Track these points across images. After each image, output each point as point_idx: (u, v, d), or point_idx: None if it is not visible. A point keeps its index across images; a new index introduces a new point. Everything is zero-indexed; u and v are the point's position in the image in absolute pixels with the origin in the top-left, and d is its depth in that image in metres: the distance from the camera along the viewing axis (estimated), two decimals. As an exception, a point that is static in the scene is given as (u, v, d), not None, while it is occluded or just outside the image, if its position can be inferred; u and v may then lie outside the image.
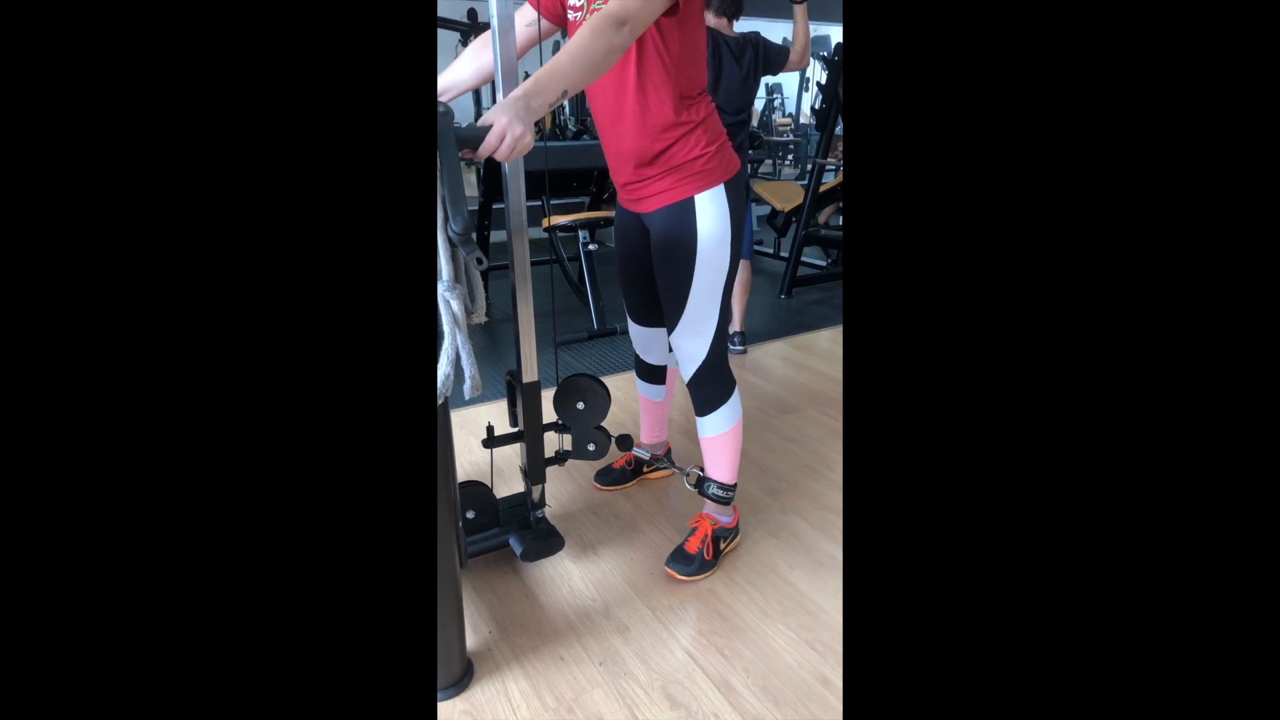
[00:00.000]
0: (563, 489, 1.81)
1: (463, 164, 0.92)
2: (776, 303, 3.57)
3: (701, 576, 1.47)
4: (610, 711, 1.15)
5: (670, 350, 1.67)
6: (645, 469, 1.85)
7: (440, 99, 1.36)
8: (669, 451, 1.88)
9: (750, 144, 3.63)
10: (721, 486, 1.50)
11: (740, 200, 1.33)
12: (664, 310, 1.40)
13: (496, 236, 3.75)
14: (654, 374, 1.71)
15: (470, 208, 1.02)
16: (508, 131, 0.91)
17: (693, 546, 1.48)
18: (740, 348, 2.82)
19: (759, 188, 4.05)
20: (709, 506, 1.52)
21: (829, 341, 2.99)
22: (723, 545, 1.52)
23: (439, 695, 1.17)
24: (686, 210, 1.28)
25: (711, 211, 1.28)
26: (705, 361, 1.40)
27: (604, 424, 1.54)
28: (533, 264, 1.36)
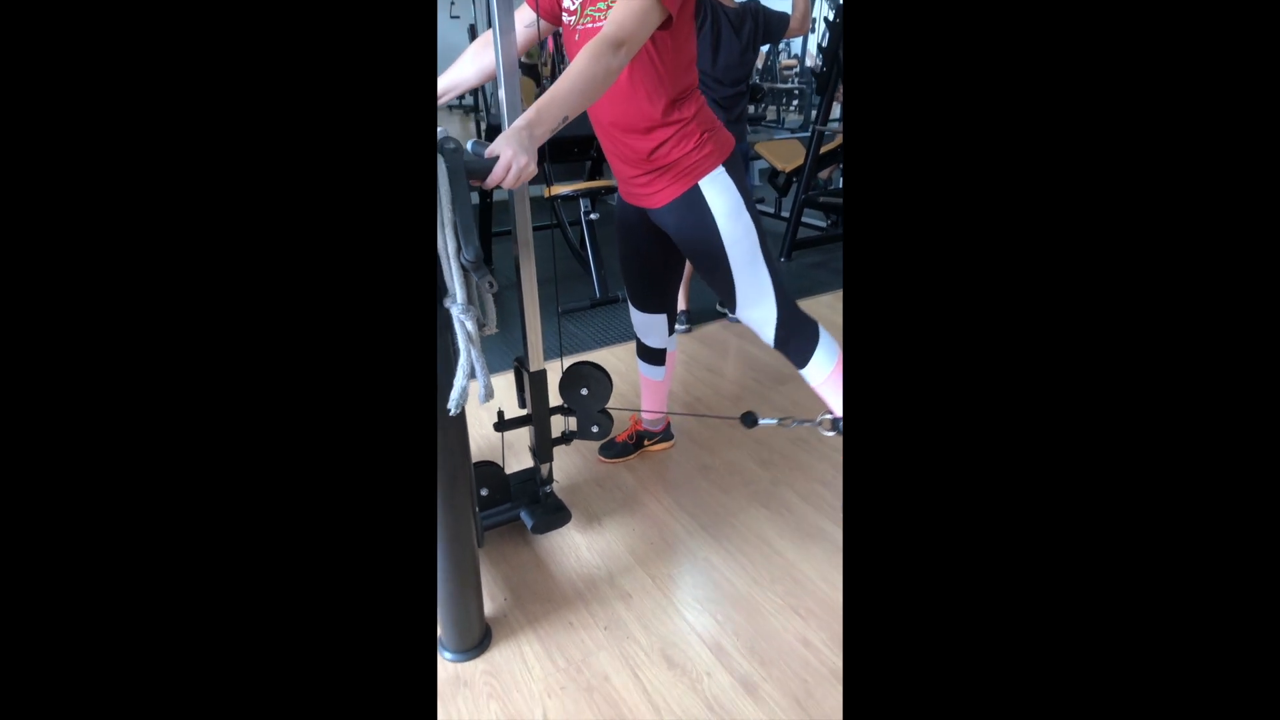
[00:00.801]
0: (570, 462, 1.93)
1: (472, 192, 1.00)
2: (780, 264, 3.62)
3: None
4: (614, 671, 1.29)
5: (670, 334, 1.77)
6: (646, 442, 1.96)
7: (443, 97, 1.41)
8: (668, 426, 1.99)
9: (753, 97, 3.59)
10: (838, 421, 1.55)
11: (740, 171, 1.39)
12: (718, 294, 1.46)
13: (501, 194, 3.79)
14: (654, 355, 1.80)
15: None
16: (513, 163, 0.97)
17: None
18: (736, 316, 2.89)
19: (759, 147, 4.04)
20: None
21: (827, 308, 3.06)
22: None
23: (462, 657, 1.31)
24: (695, 199, 1.35)
25: (719, 191, 1.35)
26: (779, 320, 1.43)
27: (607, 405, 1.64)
28: (537, 229, 1.42)
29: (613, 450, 1.93)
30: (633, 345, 1.88)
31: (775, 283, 1.43)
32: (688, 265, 2.73)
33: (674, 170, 1.34)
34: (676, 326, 2.80)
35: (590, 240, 3.09)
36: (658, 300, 1.68)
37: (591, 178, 3.53)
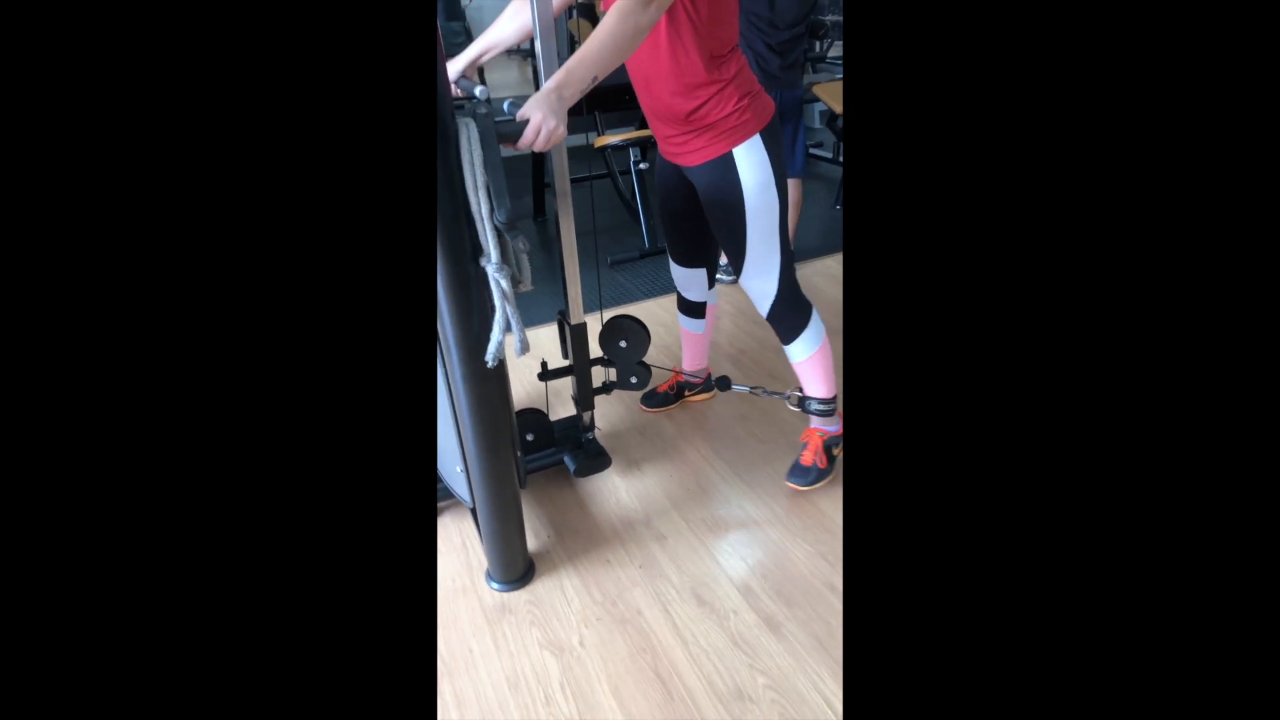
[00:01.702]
0: (613, 411, 2.01)
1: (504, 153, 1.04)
2: (832, 214, 3.54)
3: (821, 484, 1.63)
4: (647, 606, 1.38)
5: (711, 288, 1.79)
6: (687, 393, 2.01)
7: (484, 57, 1.44)
8: (710, 377, 2.03)
9: (813, 33, 3.41)
10: (821, 401, 1.61)
11: (776, 142, 1.39)
12: (728, 258, 1.50)
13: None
14: (694, 309, 1.83)
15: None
16: (543, 126, 1.01)
17: (807, 459, 1.64)
18: (730, 277, 2.85)
19: (818, 89, 3.89)
20: (814, 420, 1.66)
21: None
22: (835, 451, 1.67)
23: (507, 588, 1.42)
24: (727, 165, 1.36)
25: (751, 162, 1.35)
26: (778, 297, 1.49)
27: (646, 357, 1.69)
28: (585, 179, 1.46)
29: (654, 400, 1.99)
30: None
31: (783, 259, 1.46)
32: (791, 202, 2.71)
33: (711, 132, 1.34)
34: (723, 278, 2.82)
35: (639, 190, 3.09)
36: (698, 255, 1.70)
37: (641, 127, 3.50)
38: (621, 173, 3.54)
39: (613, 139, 2.98)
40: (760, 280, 1.48)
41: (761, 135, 1.36)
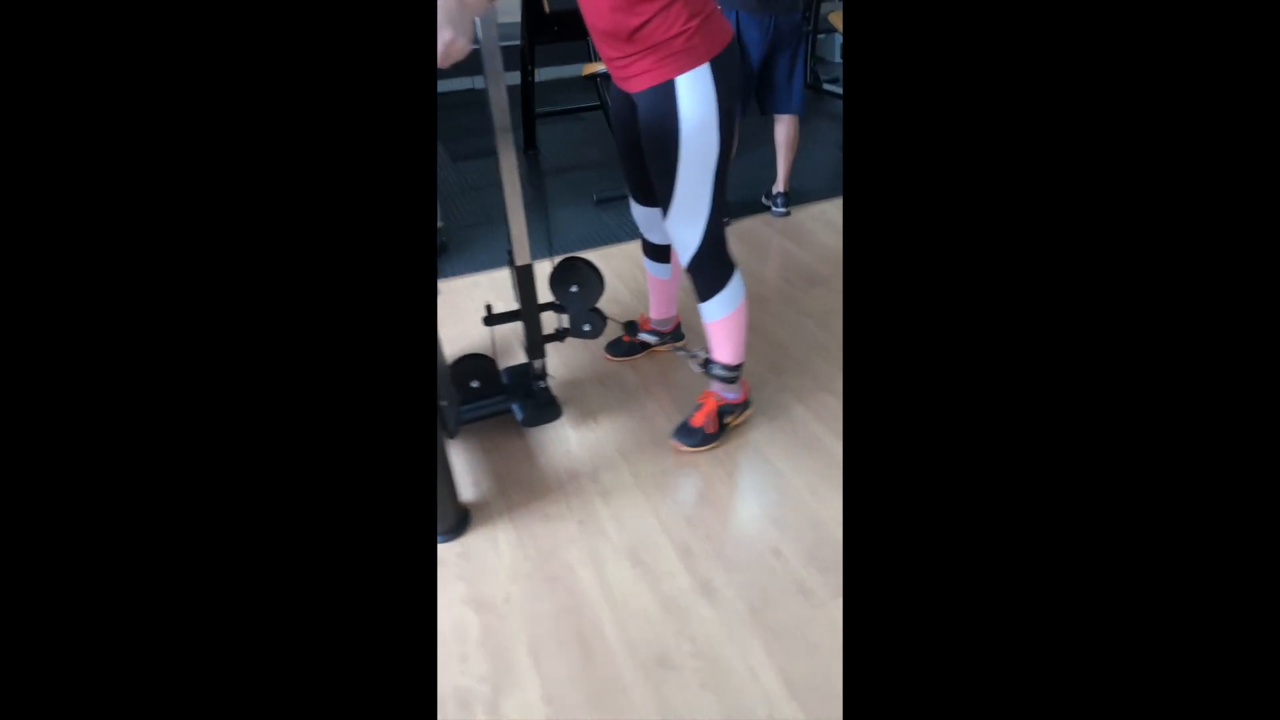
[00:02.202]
0: (575, 358, 1.92)
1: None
2: (839, 155, 3.33)
3: (704, 448, 1.56)
4: (580, 564, 1.32)
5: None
6: (655, 345, 1.91)
7: None
8: (678, 326, 1.92)
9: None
10: (726, 367, 1.54)
11: (729, 76, 1.25)
12: (657, 196, 1.38)
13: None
14: (659, 252, 1.72)
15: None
16: (439, 39, 0.89)
17: (697, 420, 1.57)
18: (783, 209, 2.71)
19: (833, 17, 3.62)
20: (715, 385, 1.58)
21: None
22: (728, 420, 1.60)
23: (439, 539, 1.37)
24: (668, 93, 1.22)
25: (694, 94, 1.22)
26: (700, 248, 1.39)
27: (602, 302, 1.59)
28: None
29: (619, 349, 1.90)
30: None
31: (713, 210, 1.34)
32: (786, 141, 2.55)
33: (655, 54, 1.20)
34: (775, 209, 2.67)
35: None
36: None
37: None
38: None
39: (602, 67, 2.79)
40: (685, 228, 1.37)
41: (711, 65, 1.21)
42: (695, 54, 1.20)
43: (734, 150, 1.37)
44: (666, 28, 1.18)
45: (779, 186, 2.70)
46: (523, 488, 1.50)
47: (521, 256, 1.46)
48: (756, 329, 2.01)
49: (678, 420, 1.67)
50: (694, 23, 1.18)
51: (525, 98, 3.20)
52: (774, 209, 2.72)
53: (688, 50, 1.19)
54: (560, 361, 1.89)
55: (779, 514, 1.41)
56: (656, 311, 1.87)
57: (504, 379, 1.63)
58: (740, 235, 2.60)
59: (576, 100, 3.50)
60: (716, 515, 1.41)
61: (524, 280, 1.49)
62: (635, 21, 1.18)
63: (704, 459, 1.55)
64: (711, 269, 1.42)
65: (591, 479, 1.51)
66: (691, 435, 1.56)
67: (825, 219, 2.71)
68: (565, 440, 1.63)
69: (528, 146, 3.39)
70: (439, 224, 2.45)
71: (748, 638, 1.17)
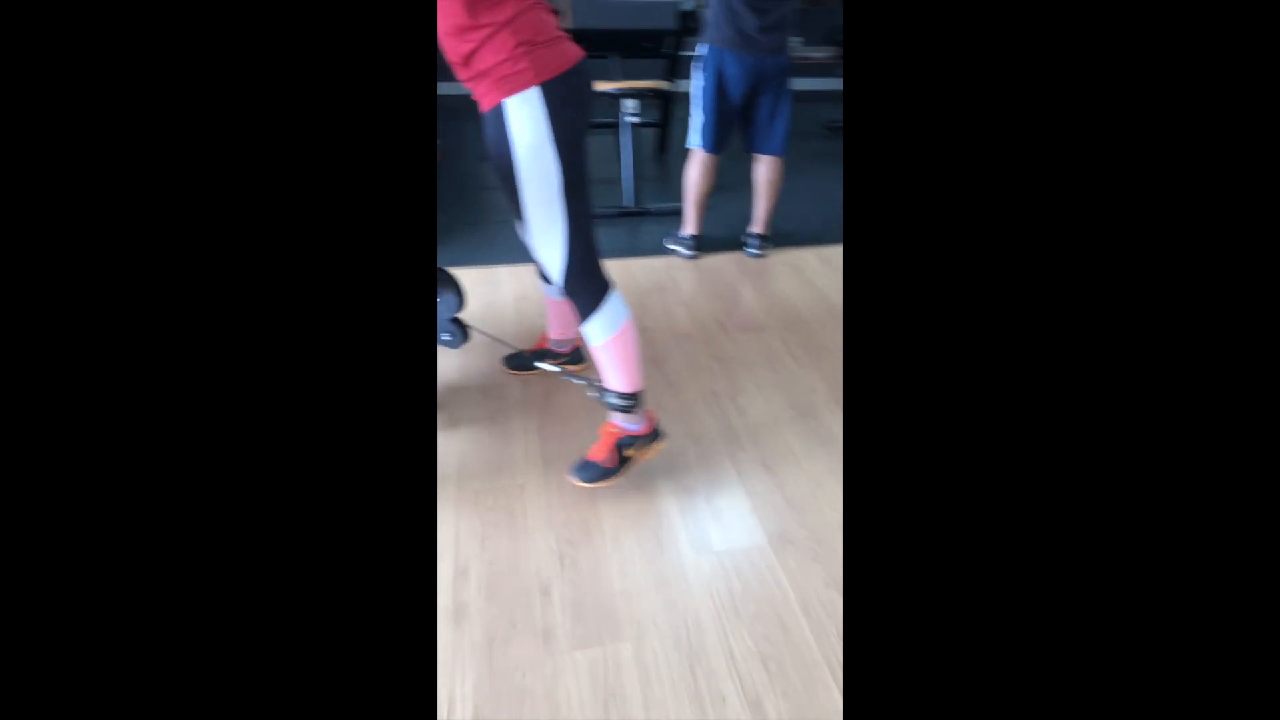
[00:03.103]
0: (472, 363, 1.96)
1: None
2: (833, 201, 3.22)
3: (602, 483, 1.51)
4: None
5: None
6: (547, 363, 1.92)
7: None
8: (576, 350, 1.93)
9: None
10: (619, 395, 1.46)
11: (572, 102, 1.24)
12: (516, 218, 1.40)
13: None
14: (546, 275, 1.73)
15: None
16: None
17: (594, 454, 1.52)
18: (757, 250, 2.65)
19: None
20: (613, 415, 1.51)
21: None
22: (628, 452, 1.52)
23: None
24: (499, 118, 1.24)
25: (522, 116, 1.22)
26: (567, 270, 1.37)
27: (464, 318, 1.62)
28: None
29: (515, 362, 1.93)
30: (653, 260, 1.76)
31: (571, 229, 1.32)
32: (767, 180, 2.51)
33: (488, 79, 1.22)
34: (748, 249, 2.62)
35: (628, 145, 2.94)
36: (534, 217, 1.60)
37: (669, 76, 3.30)
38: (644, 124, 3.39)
39: (606, 86, 2.83)
40: (545, 249, 1.36)
41: (543, 89, 1.21)
42: (522, 78, 1.21)
43: (588, 188, 1.36)
44: (493, 55, 1.20)
45: (756, 227, 2.64)
46: (354, 479, 1.56)
47: (385, 260, 1.52)
48: (658, 365, 1.99)
49: (532, 441, 1.68)
50: (520, 49, 1.19)
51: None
52: (748, 249, 2.67)
53: (515, 74, 1.21)
54: (456, 366, 1.94)
55: (566, 551, 1.39)
56: (555, 331, 1.88)
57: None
58: (702, 270, 2.57)
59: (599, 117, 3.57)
60: (505, 543, 1.41)
61: (388, 283, 1.55)
62: (466, 48, 1.21)
63: (533, 487, 1.56)
64: (583, 290, 1.40)
65: (419, 483, 1.55)
66: (586, 470, 1.51)
67: (797, 265, 2.63)
68: (418, 442, 1.67)
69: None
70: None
71: (466, 670, 1.17)
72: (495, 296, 2.33)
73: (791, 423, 1.79)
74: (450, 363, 1.94)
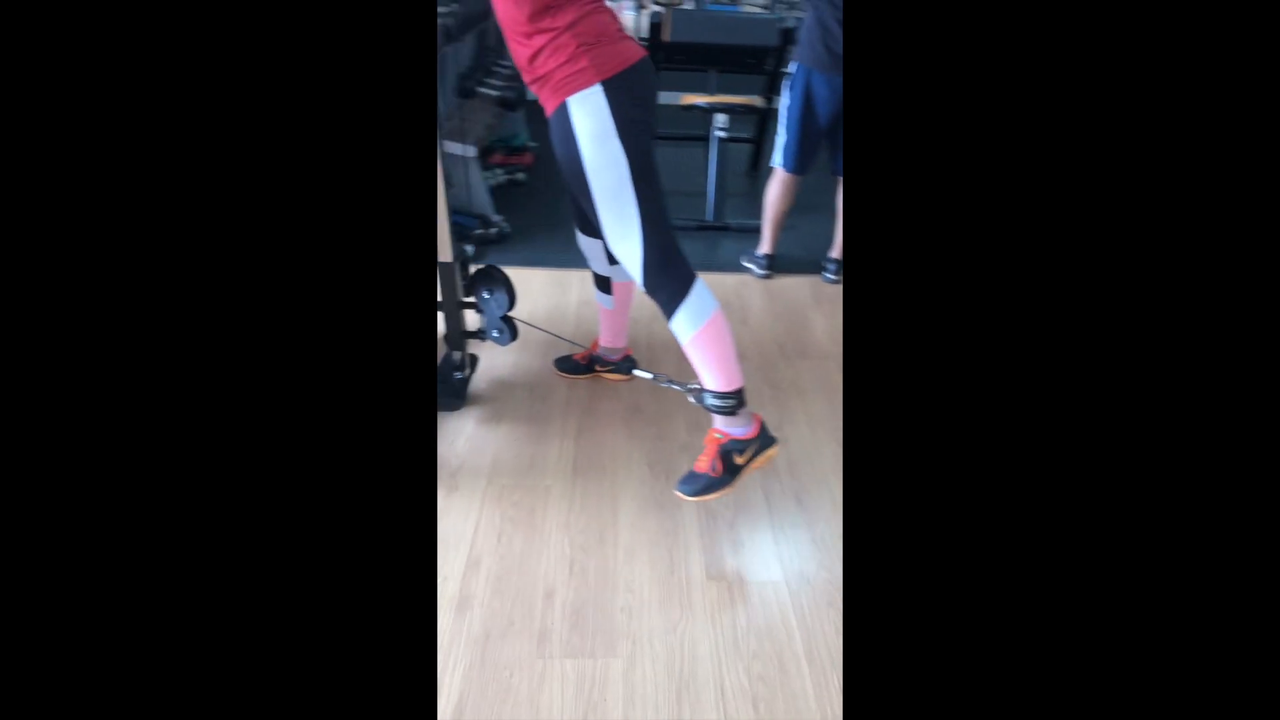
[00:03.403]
0: (525, 360, 2.01)
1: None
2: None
3: (711, 495, 1.43)
4: None
5: (612, 264, 1.69)
6: (598, 368, 1.94)
7: None
8: (626, 358, 1.93)
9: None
10: (717, 395, 1.38)
11: (631, 97, 1.25)
12: (593, 223, 1.39)
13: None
14: (602, 282, 1.75)
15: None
16: None
17: (701, 465, 1.44)
18: (834, 277, 2.56)
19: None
20: (716, 420, 1.43)
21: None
22: (738, 459, 1.42)
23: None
24: (564, 117, 1.26)
25: (586, 111, 1.24)
26: (646, 263, 1.33)
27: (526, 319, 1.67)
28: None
29: (566, 365, 1.96)
30: (729, 278, 1.77)
31: (644, 218, 1.30)
32: (777, 195, 2.46)
33: (550, 83, 1.25)
34: (755, 268, 2.57)
35: (715, 159, 2.92)
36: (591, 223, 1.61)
37: (769, 93, 3.25)
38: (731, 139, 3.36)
39: (696, 99, 2.83)
40: (623, 244, 1.34)
41: (605, 86, 1.23)
42: (584, 76, 1.23)
43: (659, 179, 1.34)
44: (554, 59, 1.23)
45: (835, 252, 2.55)
46: (395, 460, 1.63)
47: (444, 255, 1.59)
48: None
49: (571, 447, 1.70)
50: (581, 50, 1.21)
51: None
52: (825, 274, 2.58)
53: (576, 74, 1.23)
54: (509, 363, 1.99)
55: (580, 559, 1.40)
56: (605, 339, 1.90)
57: (427, 361, 1.78)
58: (773, 291, 2.51)
59: (691, 128, 3.56)
60: (524, 543, 1.43)
61: (444, 277, 1.61)
62: (529, 52, 1.24)
63: (558, 490, 1.57)
64: (664, 283, 1.35)
65: (452, 475, 1.60)
66: (692, 482, 1.43)
67: (809, 291, 2.51)
68: (461, 431, 1.73)
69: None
70: (499, 217, 2.66)
71: (459, 660, 1.20)
72: (561, 299, 2.37)
73: (835, 459, 1.71)
74: (504, 359, 1.99)
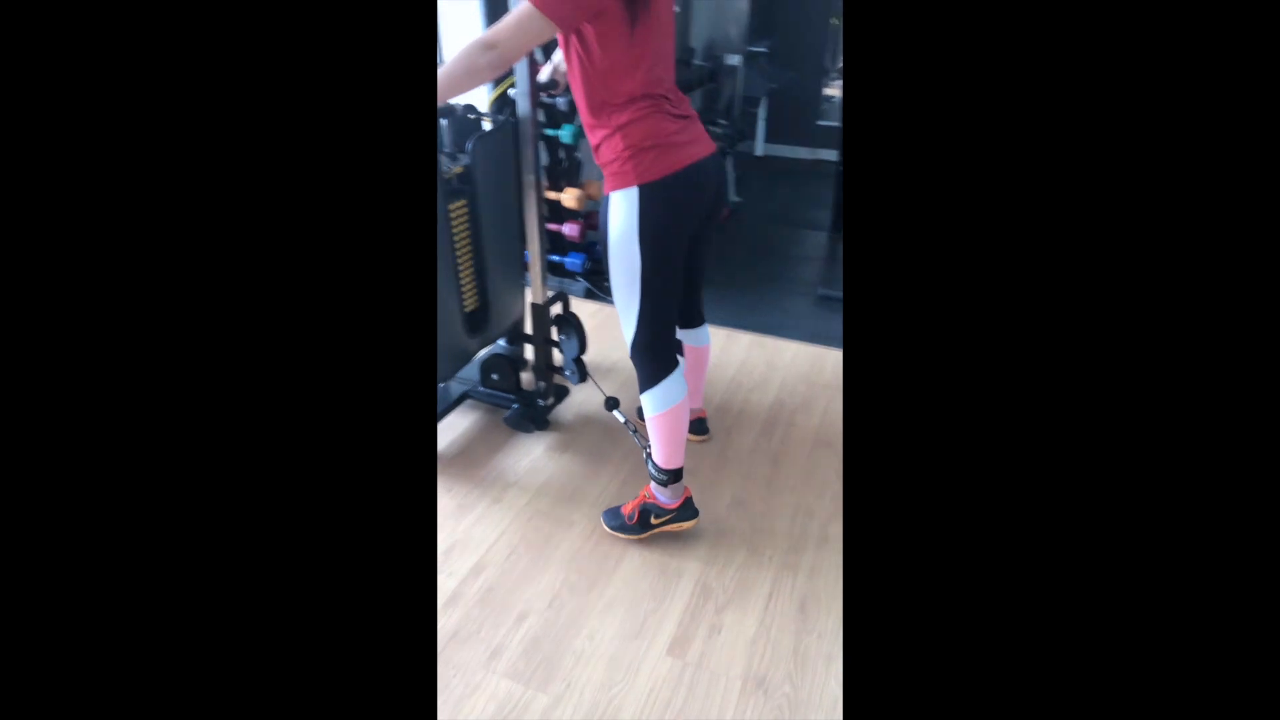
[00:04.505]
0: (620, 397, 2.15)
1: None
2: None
3: (620, 535, 1.63)
4: (444, 544, 1.65)
5: (680, 325, 1.77)
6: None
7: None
8: (699, 419, 1.97)
9: None
10: (656, 467, 1.57)
11: (665, 203, 1.36)
12: None
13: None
14: (677, 344, 1.83)
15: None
16: None
17: (626, 508, 1.65)
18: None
19: None
20: (651, 481, 1.62)
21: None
22: (653, 519, 1.62)
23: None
24: (606, 204, 1.42)
25: (620, 209, 1.38)
26: (634, 342, 1.50)
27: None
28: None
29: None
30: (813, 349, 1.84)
31: (643, 311, 1.44)
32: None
33: (606, 171, 1.40)
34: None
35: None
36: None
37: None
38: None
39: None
40: (623, 318, 1.50)
41: (641, 190, 1.34)
42: (625, 177, 1.36)
43: (674, 281, 1.45)
44: (610, 152, 1.37)
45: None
46: (464, 461, 1.89)
47: (536, 296, 1.81)
48: (776, 461, 1.92)
49: (613, 491, 1.81)
50: (628, 152, 1.34)
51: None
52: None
53: (621, 173, 1.36)
54: (594, 400, 2.15)
55: (561, 599, 1.50)
56: (684, 398, 1.97)
57: (520, 383, 2.01)
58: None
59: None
60: (527, 565, 1.57)
61: (536, 317, 1.83)
62: (594, 141, 1.40)
63: (581, 527, 1.69)
64: (645, 362, 1.52)
65: (499, 489, 1.81)
66: (614, 518, 1.66)
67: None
68: (528, 452, 1.94)
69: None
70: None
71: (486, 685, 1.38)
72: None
73: (870, 575, 1.58)
74: (588, 395, 2.15)
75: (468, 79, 1.26)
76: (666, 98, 1.37)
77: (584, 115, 1.38)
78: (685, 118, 1.40)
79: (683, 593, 1.52)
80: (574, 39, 1.29)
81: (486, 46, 1.22)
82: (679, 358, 1.54)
